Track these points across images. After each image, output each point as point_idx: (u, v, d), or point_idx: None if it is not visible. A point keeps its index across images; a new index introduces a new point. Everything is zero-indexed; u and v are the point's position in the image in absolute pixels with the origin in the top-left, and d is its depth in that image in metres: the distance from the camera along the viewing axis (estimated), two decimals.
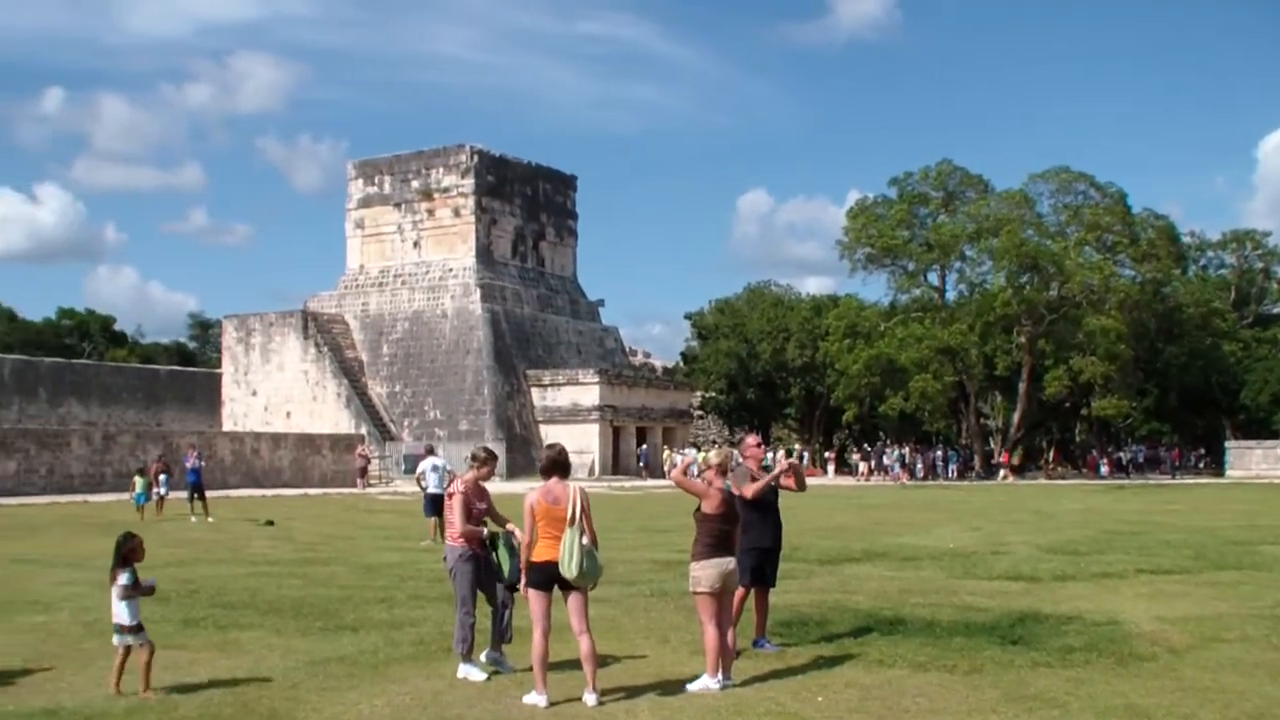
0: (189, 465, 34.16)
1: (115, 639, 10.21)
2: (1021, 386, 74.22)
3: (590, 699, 9.93)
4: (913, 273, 75.14)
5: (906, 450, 74.32)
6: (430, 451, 28.99)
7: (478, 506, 11.24)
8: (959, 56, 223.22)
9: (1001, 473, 71.17)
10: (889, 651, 11.96)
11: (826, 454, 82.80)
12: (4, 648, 12.33)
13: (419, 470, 27.38)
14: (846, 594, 16.41)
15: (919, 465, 72.57)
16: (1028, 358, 72.85)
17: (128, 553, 10.29)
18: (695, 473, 13.15)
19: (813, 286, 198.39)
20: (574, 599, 10.16)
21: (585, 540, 10.07)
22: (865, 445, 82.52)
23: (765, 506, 12.32)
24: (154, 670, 10.31)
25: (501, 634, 11.35)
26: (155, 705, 9.76)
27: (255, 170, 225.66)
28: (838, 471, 78.47)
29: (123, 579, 10.18)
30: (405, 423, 75.48)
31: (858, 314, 74.32)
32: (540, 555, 10.14)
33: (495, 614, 11.32)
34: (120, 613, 10.15)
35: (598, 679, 10.06)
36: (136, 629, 10.15)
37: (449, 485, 11.41)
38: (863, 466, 73.87)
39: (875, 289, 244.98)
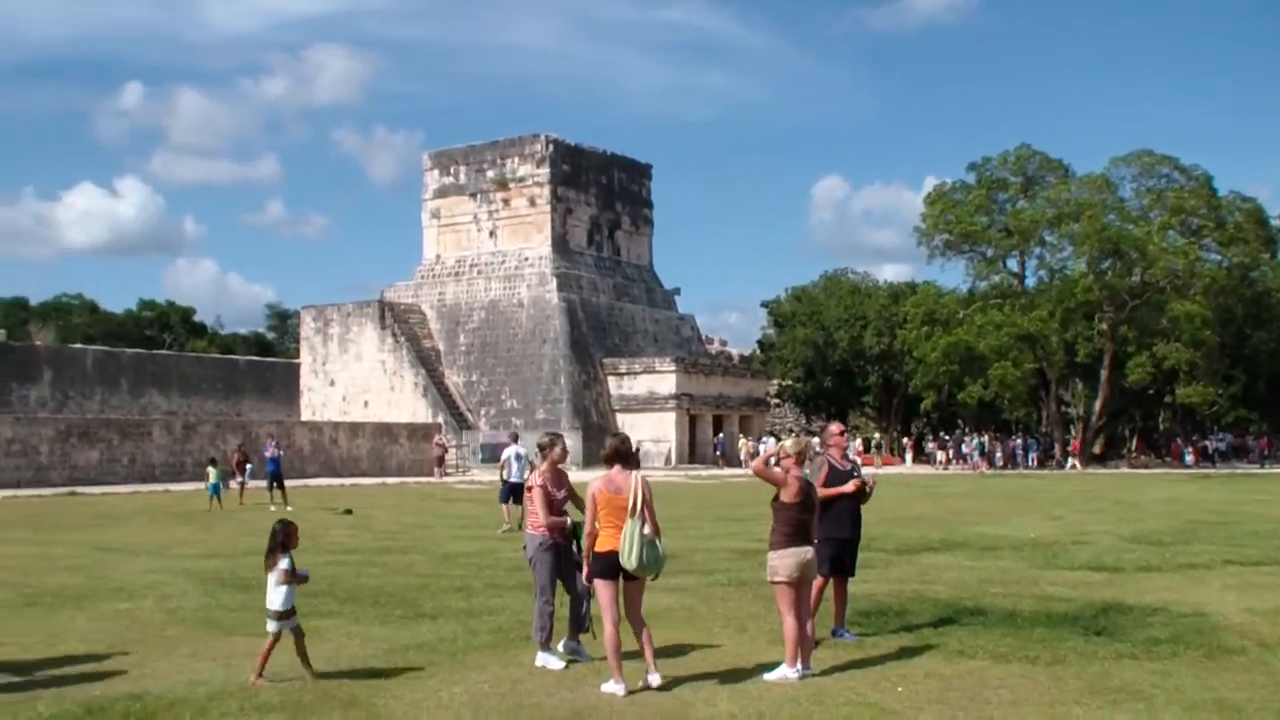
0: (268, 455, 34.47)
1: (270, 624, 10.27)
2: (1103, 374, 73.25)
3: (654, 680, 9.95)
4: (991, 259, 74.36)
5: (985, 439, 73.65)
6: (514, 439, 29.09)
7: (557, 497, 11.22)
8: (1037, 38, 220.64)
9: (1070, 462, 70.44)
10: (969, 642, 11.81)
11: (904, 442, 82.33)
12: (89, 634, 12.48)
13: (503, 458, 27.51)
14: (925, 584, 16.26)
15: (998, 454, 71.88)
16: (1110, 344, 71.90)
17: (284, 538, 10.38)
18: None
19: (889, 274, 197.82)
20: (631, 588, 10.17)
21: (647, 530, 10.03)
22: (943, 434, 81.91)
23: (845, 496, 12.22)
24: (237, 656, 10.37)
25: (580, 623, 11.33)
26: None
27: (331, 162, 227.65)
28: (915, 460, 77.96)
29: (283, 564, 10.26)
30: (482, 412, 75.84)
31: (936, 301, 73.74)
32: (603, 545, 10.13)
33: (574, 603, 11.30)
34: (276, 598, 10.23)
35: (667, 667, 10.01)
36: (289, 614, 10.23)
37: (529, 476, 11.38)
38: (940, 455, 73.35)
39: (953, 276, 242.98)
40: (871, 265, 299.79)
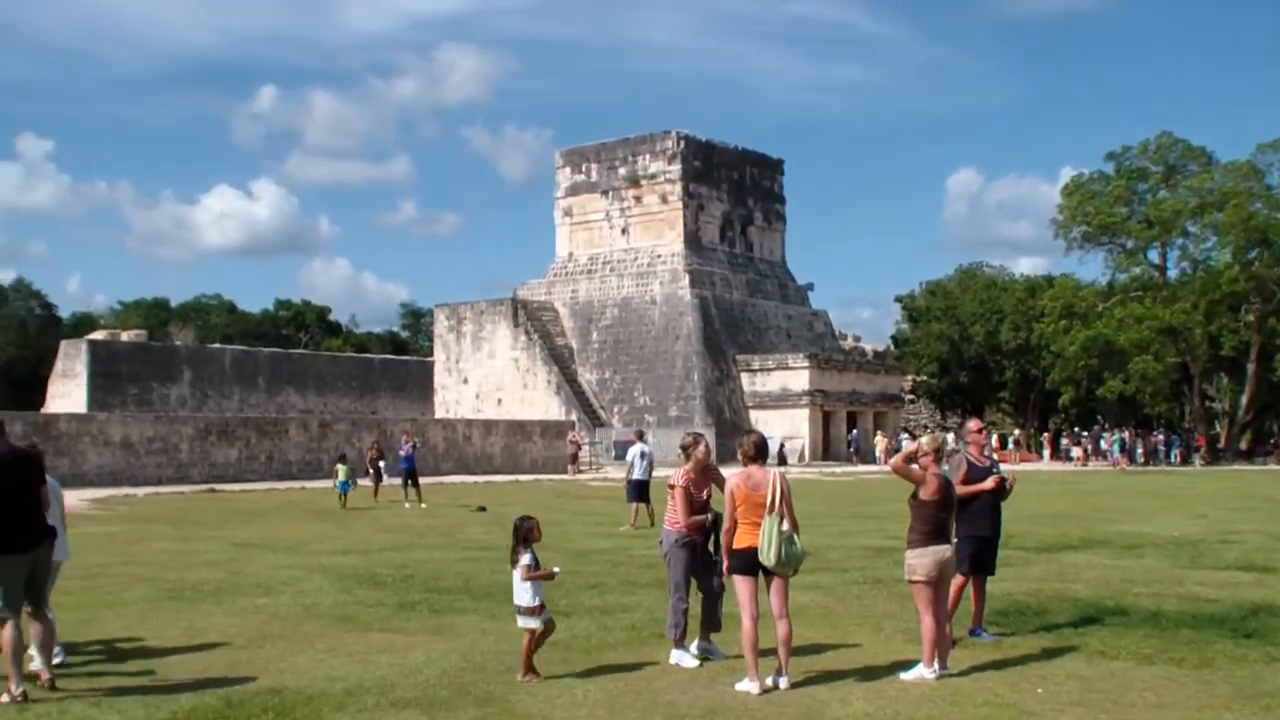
0: (402, 453, 34.80)
1: (519, 621, 10.41)
2: (1250, 367, 71.51)
3: (782, 683, 9.89)
4: (1131, 250, 72.92)
5: (1125, 434, 72.20)
6: (640, 437, 29.09)
7: (698, 499, 11.17)
8: (1177, 21, 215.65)
9: (1195, 459, 68.82)
10: (1112, 643, 11.58)
11: (1042, 438, 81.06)
12: (228, 629, 12.73)
13: (629, 457, 27.55)
14: (1065, 583, 15.98)
15: (1139, 450, 70.40)
16: (1257, 337, 70.12)
17: (526, 533, 10.46)
18: None
19: (1025, 267, 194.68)
20: (775, 584, 10.10)
21: (785, 527, 9.96)
22: (1081, 430, 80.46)
23: (984, 493, 12.05)
24: (373, 652, 10.47)
25: (713, 622, 11.28)
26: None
27: (463, 161, 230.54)
28: (1053, 457, 76.73)
29: (524, 559, 10.33)
30: (615, 409, 76.12)
31: (1074, 294, 72.53)
32: (741, 542, 10.08)
33: (706, 601, 11.25)
34: (522, 594, 10.33)
35: (798, 664, 9.97)
36: (538, 610, 10.31)
37: (671, 477, 11.37)
38: (1078, 451, 72.07)
39: (1091, 268, 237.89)
40: (1007, 258, 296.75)
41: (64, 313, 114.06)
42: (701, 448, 11.31)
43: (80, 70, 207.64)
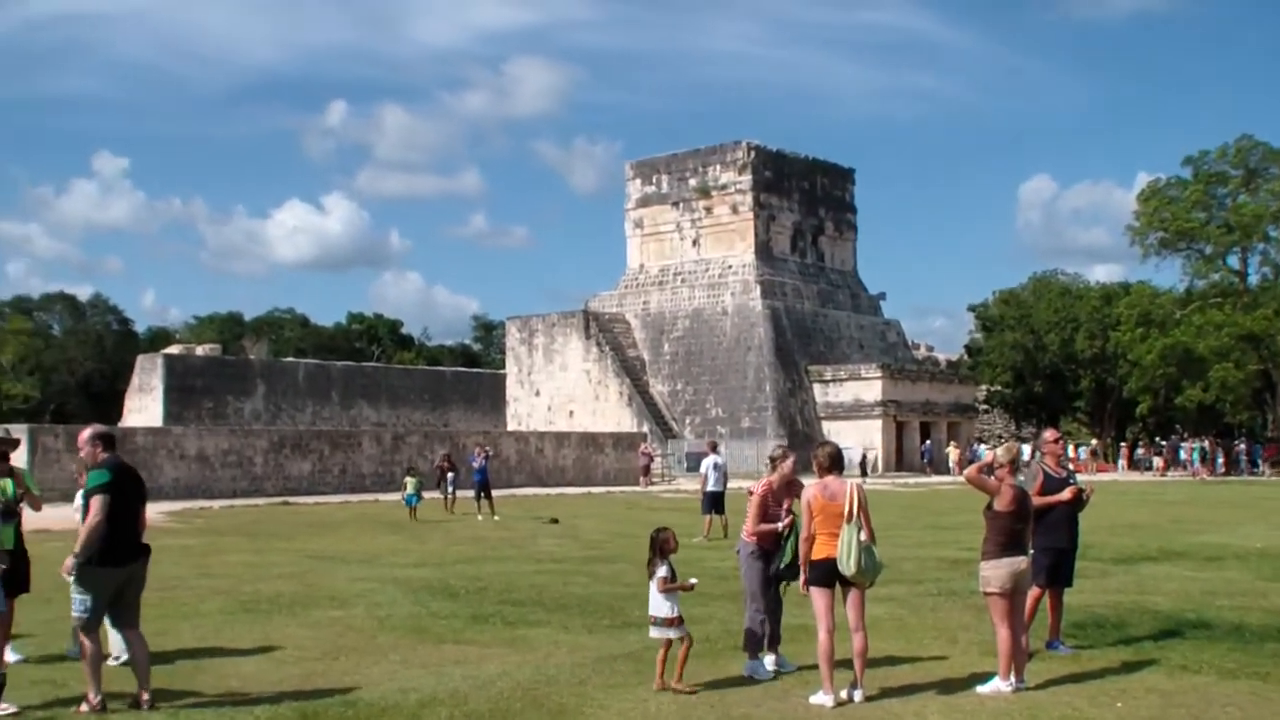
0: (476, 465, 34.90)
1: (653, 632, 10.44)
2: None
3: (856, 695, 9.83)
4: (1210, 256, 71.99)
5: (1205, 443, 71.15)
6: (713, 448, 28.99)
7: (774, 509, 11.13)
8: (1252, 21, 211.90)
9: (1261, 468, 67.70)
10: (1193, 656, 11.40)
11: (1119, 448, 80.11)
12: (303, 641, 12.81)
13: (703, 468, 27.48)
14: (1144, 595, 15.76)
15: (1219, 459, 69.34)
16: None
17: (662, 544, 10.47)
18: None
19: (1101, 274, 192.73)
20: (852, 595, 10.05)
21: (863, 537, 9.89)
22: (1159, 439, 79.43)
23: (1061, 504, 11.91)
24: (447, 664, 10.49)
25: (773, 637, 11.21)
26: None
27: (532, 173, 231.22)
28: (1130, 466, 75.80)
29: (661, 571, 10.34)
30: (687, 420, 76.04)
31: (1151, 301, 71.79)
32: (819, 552, 10.03)
33: (770, 615, 11.17)
34: (659, 605, 10.35)
35: (873, 677, 9.89)
36: (676, 622, 10.31)
37: (752, 486, 11.37)
38: (1157, 461, 71.16)
39: (1169, 275, 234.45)
40: (1081, 266, 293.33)
41: (140, 327, 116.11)
42: (789, 462, 11.32)
43: (155, 88, 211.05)
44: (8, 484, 11.06)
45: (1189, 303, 71.27)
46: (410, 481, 33.12)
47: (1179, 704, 9.60)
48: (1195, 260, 72.12)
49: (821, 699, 9.73)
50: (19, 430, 37.06)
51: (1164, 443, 75.98)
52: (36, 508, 11.58)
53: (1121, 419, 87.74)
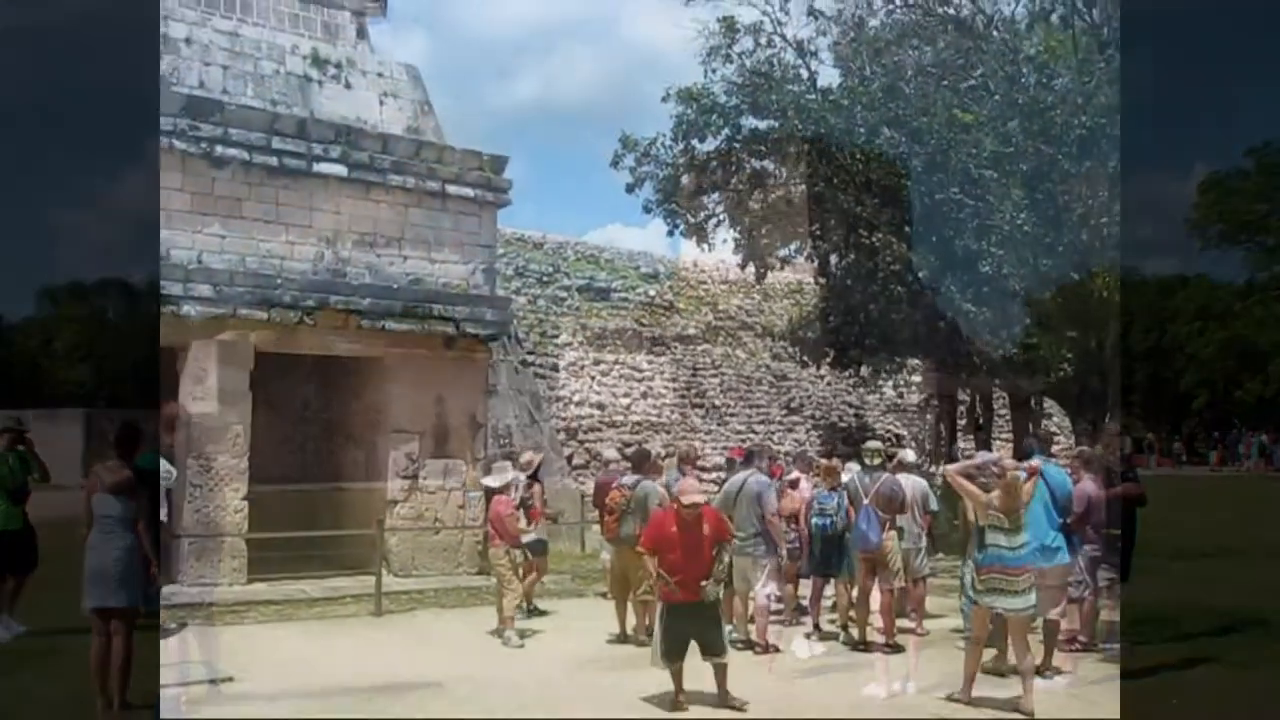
0: None
1: None
2: None
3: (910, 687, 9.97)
4: (1273, 249, 71.08)
5: (1265, 438, 70.36)
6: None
7: None
8: None
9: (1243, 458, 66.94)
10: (1251, 654, 11.34)
11: (1174, 443, 79.47)
12: None
13: None
14: (1202, 591, 15.56)
15: (1275, 455, 68.52)
16: None
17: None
18: None
19: (1156, 267, 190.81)
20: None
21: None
22: (1217, 434, 78.64)
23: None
24: None
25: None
26: None
27: None
28: (1187, 461, 75.14)
29: None
30: None
31: (1210, 294, 71.03)
32: None
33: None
34: None
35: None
36: None
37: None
38: (1214, 456, 70.50)
39: (1228, 268, 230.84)
40: (1137, 259, 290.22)
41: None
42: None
43: None
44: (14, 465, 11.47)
45: (1250, 295, 70.54)
46: None
47: (1235, 701, 9.51)
48: (1256, 253, 71.29)
49: (873, 690, 9.66)
50: (73, 416, 37.89)
51: (1223, 437, 75.19)
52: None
53: (1177, 414, 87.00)
